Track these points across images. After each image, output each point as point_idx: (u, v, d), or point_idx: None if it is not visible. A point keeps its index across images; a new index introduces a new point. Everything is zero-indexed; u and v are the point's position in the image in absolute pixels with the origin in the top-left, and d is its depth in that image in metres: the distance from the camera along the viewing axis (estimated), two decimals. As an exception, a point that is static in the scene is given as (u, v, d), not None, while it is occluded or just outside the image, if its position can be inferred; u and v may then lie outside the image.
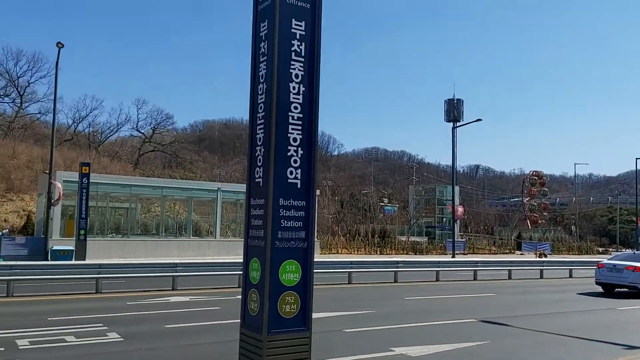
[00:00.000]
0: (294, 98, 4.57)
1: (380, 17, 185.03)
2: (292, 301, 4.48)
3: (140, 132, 71.42)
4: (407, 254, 44.39)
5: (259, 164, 4.64)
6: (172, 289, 16.39)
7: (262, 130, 4.64)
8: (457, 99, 67.98)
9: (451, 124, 56.13)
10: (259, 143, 4.66)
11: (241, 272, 18.27)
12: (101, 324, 10.24)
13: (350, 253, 42.23)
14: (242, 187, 40.61)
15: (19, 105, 58.62)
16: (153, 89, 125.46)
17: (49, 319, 10.82)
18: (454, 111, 66.46)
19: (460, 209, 54.99)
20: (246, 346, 4.54)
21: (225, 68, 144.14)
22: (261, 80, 4.66)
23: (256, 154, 4.70)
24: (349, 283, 20.08)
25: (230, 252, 32.96)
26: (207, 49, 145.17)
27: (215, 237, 35.18)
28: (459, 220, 55.14)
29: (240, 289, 17.43)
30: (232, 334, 9.70)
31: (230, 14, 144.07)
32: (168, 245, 32.34)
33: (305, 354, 4.48)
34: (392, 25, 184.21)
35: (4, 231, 34.84)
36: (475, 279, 23.38)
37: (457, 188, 53.49)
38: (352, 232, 50.77)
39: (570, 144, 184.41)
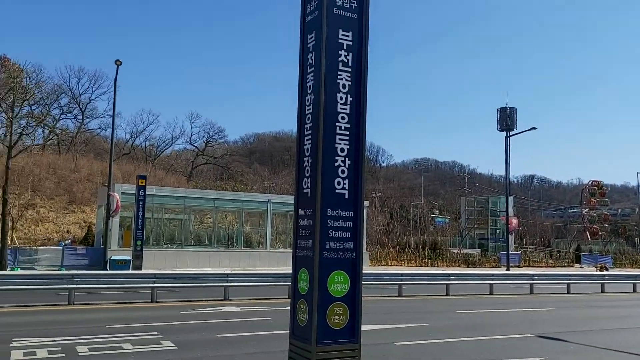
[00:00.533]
0: (341, 108, 4.57)
1: (430, 25, 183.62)
2: (341, 312, 4.45)
3: (194, 146, 73.50)
4: (459, 266, 43.43)
5: (307, 175, 4.66)
6: (224, 299, 16.64)
7: (309, 141, 4.66)
8: (510, 108, 66.22)
9: (504, 133, 54.65)
10: (307, 154, 4.68)
11: (291, 283, 18.36)
12: (156, 332, 10.50)
13: (401, 265, 41.71)
14: (292, 199, 40.84)
15: (80, 121, 61.47)
16: (206, 103, 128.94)
17: (107, 326, 11.19)
18: (507, 120, 64.72)
19: (514, 221, 53.38)
20: (295, 357, 4.53)
21: (275, 81, 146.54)
22: (309, 92, 4.69)
23: (304, 165, 4.71)
24: (399, 295, 19.81)
25: (280, 263, 33.21)
26: (258, 63, 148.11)
27: (265, 248, 35.56)
28: (513, 232, 53.53)
29: (290, 300, 17.52)
30: (282, 344, 9.74)
31: (279, 27, 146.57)
32: (220, 256, 32.93)
33: (354, 366, 4.44)
34: (442, 32, 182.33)
35: (66, 242, 36.48)
36: (531, 292, 22.57)
37: (511, 199, 51.99)
38: (402, 244, 50.16)
39: (632, 152, 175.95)
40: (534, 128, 38.50)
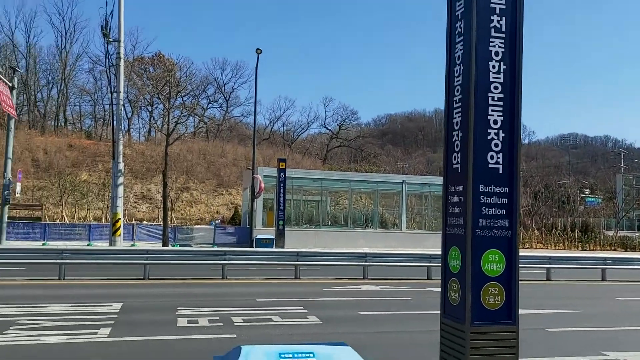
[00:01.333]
0: (493, 77, 4.30)
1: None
2: (496, 292, 4.23)
3: (328, 129, 75.34)
4: (614, 250, 39.63)
5: (457, 150, 4.46)
6: (363, 278, 16.90)
7: (459, 114, 4.45)
8: (677, 73, 58.21)
9: (669, 101, 48.20)
10: (456, 127, 4.48)
11: (430, 264, 18.05)
12: (301, 307, 10.98)
13: (547, 248, 39.12)
14: (427, 180, 40.40)
15: (225, 109, 66.05)
16: (339, 87, 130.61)
17: (257, 300, 11.95)
18: (672, 87, 57.03)
19: (682, 200, 47.14)
20: (447, 336, 4.41)
21: (406, 61, 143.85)
22: (457, 62, 4.48)
23: (453, 139, 4.52)
24: (547, 279, 18.62)
25: (415, 244, 32.89)
26: (388, 44, 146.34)
27: (401, 229, 35.45)
28: (681, 213, 47.33)
29: (429, 281, 17.29)
30: (424, 324, 9.64)
31: (410, 5, 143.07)
32: (356, 236, 33.51)
33: (512, 349, 4.20)
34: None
35: (217, 221, 39.58)
36: None
37: (678, 176, 45.97)
38: (548, 225, 46.94)
39: None
40: None
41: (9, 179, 24.05)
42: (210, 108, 64.07)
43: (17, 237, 28.33)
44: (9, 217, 25.47)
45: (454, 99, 4.52)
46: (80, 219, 38.00)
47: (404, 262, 18.12)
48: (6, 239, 24.22)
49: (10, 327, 8.29)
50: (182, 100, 43.07)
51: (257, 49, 27.46)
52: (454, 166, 4.47)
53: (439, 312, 4.49)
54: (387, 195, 40.71)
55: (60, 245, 19.92)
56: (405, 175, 42.94)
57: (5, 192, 23.84)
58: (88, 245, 25.58)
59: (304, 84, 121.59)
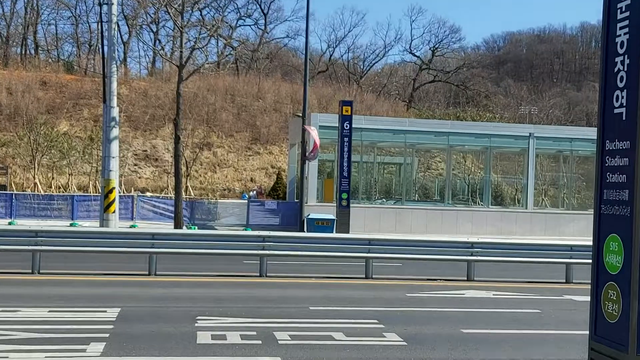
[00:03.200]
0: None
1: None
2: (680, 306, 4.09)
3: (415, 56, 74.25)
4: None
5: (621, 85, 4.26)
6: (467, 279, 16.80)
7: (625, 30, 4.24)
8: None
9: None
10: (621, 50, 4.27)
11: (571, 260, 17.72)
12: (375, 320, 11.05)
13: None
14: (567, 132, 39.32)
15: (262, 27, 66.10)
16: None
17: (310, 308, 12.12)
18: None
19: None
20: (600, 369, 4.33)
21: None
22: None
23: (615, 70, 4.32)
24: None
25: (548, 229, 32.33)
26: None
27: (525, 207, 34.88)
28: None
29: (568, 286, 16.93)
30: (566, 351, 9.52)
31: None
32: (457, 216, 33.24)
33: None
34: None
35: (251, 193, 40.25)
36: None
37: None
38: None
39: None
40: None
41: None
42: (241, 26, 64.37)
43: (-27, 213, 29.88)
44: (-38, 185, 26.86)
45: (618, 6, 4.31)
46: (59, 187, 39.59)
47: (530, 257, 17.83)
48: (-40, 216, 25.62)
49: (-31, 339, 8.79)
50: (201, 15, 43.50)
51: None
52: (616, 110, 4.29)
53: (587, 332, 4.38)
54: (505, 156, 40.08)
55: (33, 225, 20.85)
56: (533, 126, 42.04)
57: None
58: (71, 225, 26.65)
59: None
